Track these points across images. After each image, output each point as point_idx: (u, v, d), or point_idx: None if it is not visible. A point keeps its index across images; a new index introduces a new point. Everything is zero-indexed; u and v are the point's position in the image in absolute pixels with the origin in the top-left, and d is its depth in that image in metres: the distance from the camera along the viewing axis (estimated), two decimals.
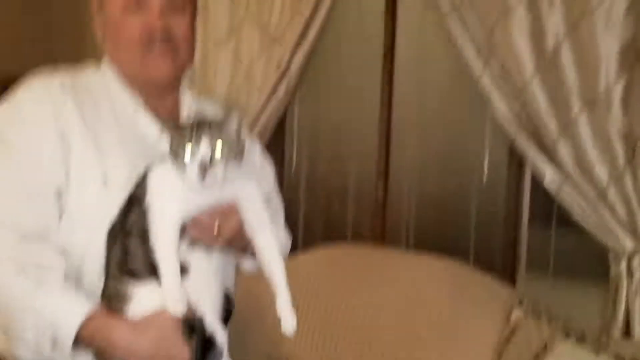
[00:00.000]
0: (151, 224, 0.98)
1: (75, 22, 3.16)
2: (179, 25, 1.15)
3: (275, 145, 2.63)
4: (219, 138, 0.93)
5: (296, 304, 1.82)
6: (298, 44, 2.36)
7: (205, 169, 0.93)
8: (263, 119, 2.46)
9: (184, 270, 0.99)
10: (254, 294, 2.05)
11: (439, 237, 2.25)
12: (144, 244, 0.99)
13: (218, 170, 0.94)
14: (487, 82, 1.94)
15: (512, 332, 1.59)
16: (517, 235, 2.08)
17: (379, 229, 2.37)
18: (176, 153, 0.95)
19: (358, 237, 2.47)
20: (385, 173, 2.35)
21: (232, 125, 0.97)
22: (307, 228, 2.63)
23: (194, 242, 1.01)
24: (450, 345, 1.67)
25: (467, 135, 2.17)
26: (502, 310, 1.68)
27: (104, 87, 1.17)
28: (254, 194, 1.06)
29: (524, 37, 1.87)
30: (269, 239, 1.08)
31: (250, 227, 1.05)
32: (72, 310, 0.97)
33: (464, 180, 2.19)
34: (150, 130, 1.15)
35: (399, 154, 2.33)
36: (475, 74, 1.96)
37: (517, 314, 1.63)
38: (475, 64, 1.95)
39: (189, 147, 0.93)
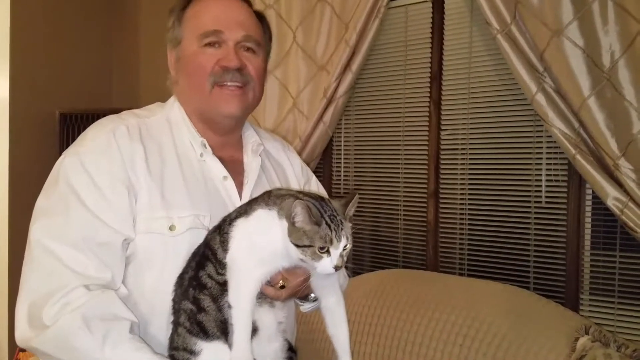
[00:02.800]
0: (233, 280, 0.98)
1: (133, 62, 3.31)
2: (252, 64, 1.19)
3: (323, 169, 2.64)
4: (349, 230, 0.97)
5: (350, 329, 1.79)
6: (344, 71, 2.38)
7: (341, 262, 0.95)
8: (310, 144, 2.49)
9: (254, 329, 1.00)
10: (308, 328, 2.08)
11: (495, 261, 2.19)
12: (217, 301, 1.00)
13: (344, 257, 0.96)
14: (541, 102, 1.91)
15: (580, 359, 1.52)
16: (579, 258, 2.01)
17: (432, 254, 2.33)
18: (315, 242, 0.93)
19: (410, 261, 2.43)
20: (436, 195, 2.32)
21: (351, 212, 1.00)
22: (356, 253, 2.61)
23: (258, 297, 1.01)
24: None
25: (521, 156, 2.12)
26: (568, 337, 1.61)
27: (168, 130, 1.19)
28: None
29: (578, 55, 1.84)
30: (337, 301, 1.07)
31: (319, 288, 1.07)
32: None
33: (520, 202, 2.13)
34: (216, 174, 1.18)
35: (449, 175, 2.30)
36: (529, 94, 1.93)
37: (583, 341, 1.56)
38: (528, 84, 1.93)
39: (335, 246, 0.93)
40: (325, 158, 2.63)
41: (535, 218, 2.09)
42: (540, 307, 1.75)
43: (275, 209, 0.98)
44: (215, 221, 1.09)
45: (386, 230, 2.50)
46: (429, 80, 2.33)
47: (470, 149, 2.24)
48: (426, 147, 2.34)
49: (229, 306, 0.97)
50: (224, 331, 0.99)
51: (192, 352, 1.00)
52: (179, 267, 1.07)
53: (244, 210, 1.03)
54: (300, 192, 1.05)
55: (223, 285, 0.99)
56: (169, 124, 1.20)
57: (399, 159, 2.44)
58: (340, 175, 2.64)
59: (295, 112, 2.53)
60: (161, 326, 1.08)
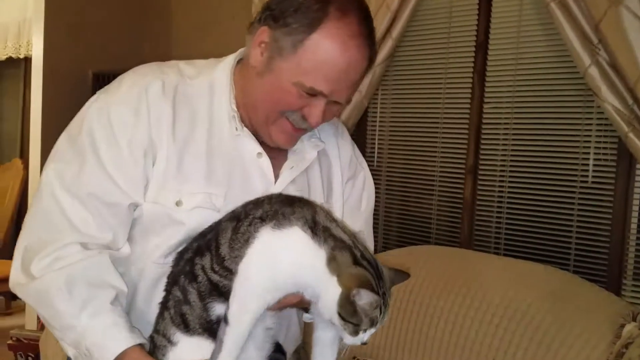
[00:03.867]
0: (240, 297, 0.88)
1: (166, 22, 3.27)
2: (329, 114, 1.07)
3: (356, 141, 2.56)
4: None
5: None
6: (383, 38, 2.29)
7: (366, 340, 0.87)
8: (344, 115, 2.41)
9: None
10: None
11: (534, 241, 2.11)
12: (204, 299, 0.92)
13: None
14: (594, 75, 1.80)
15: (626, 347, 1.44)
16: (623, 241, 1.91)
17: (467, 231, 2.26)
18: (362, 324, 0.85)
19: (443, 238, 2.36)
20: (474, 170, 2.23)
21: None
22: (388, 229, 2.55)
23: None
24: (554, 356, 1.54)
25: (569, 132, 2.02)
26: (612, 322, 1.53)
27: (208, 96, 1.09)
28: None
29: (637, 27, 1.72)
30: (334, 338, 0.95)
31: (317, 315, 0.94)
32: (108, 344, 0.94)
33: (565, 180, 2.03)
34: (249, 150, 1.09)
35: (490, 150, 2.20)
36: (581, 67, 1.82)
37: (630, 328, 1.48)
38: (582, 56, 1.82)
39: (376, 326, 0.86)
40: (359, 129, 2.56)
41: (580, 198, 2.00)
42: (582, 290, 1.67)
43: (323, 249, 0.86)
44: (233, 203, 1.00)
45: (419, 206, 2.43)
46: (474, 49, 2.22)
47: (514, 123, 2.14)
48: (467, 121, 2.25)
49: (226, 322, 0.88)
50: (206, 329, 0.92)
51: (170, 341, 0.94)
52: (176, 243, 1.02)
53: (275, 214, 0.90)
54: (356, 242, 0.90)
55: (214, 285, 0.91)
56: (210, 88, 1.09)
57: (437, 132, 2.35)
58: (374, 148, 2.56)
59: None
60: (146, 300, 1.04)
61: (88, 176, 1.00)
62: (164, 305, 0.98)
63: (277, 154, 1.12)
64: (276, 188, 1.09)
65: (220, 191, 1.04)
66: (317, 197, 1.15)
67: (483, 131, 2.22)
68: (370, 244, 1.26)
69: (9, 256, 3.52)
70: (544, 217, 2.08)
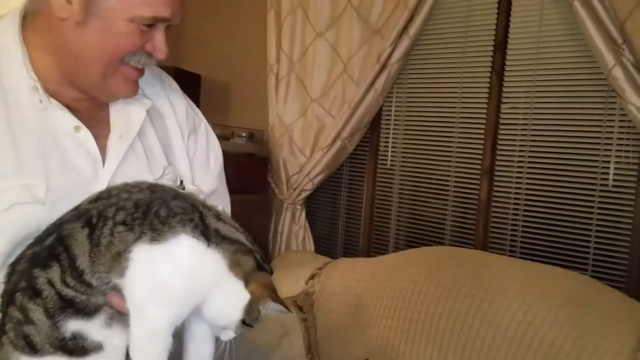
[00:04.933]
0: (139, 335, 0.74)
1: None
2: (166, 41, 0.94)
3: (370, 139, 2.54)
4: None
5: (393, 305, 1.68)
6: (400, 36, 2.25)
7: None
8: (359, 112, 2.39)
9: (95, 348, 0.77)
10: (355, 303, 2.00)
11: (551, 245, 2.07)
12: (53, 317, 0.74)
13: None
14: (618, 77, 1.77)
15: None
16: None
17: (482, 233, 2.22)
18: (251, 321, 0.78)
19: (457, 239, 2.33)
20: (490, 171, 2.20)
21: None
22: (400, 228, 2.52)
23: (112, 318, 0.78)
24: None
25: (589, 134, 1.98)
26: (635, 328, 1.50)
27: None
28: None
29: None
30: (207, 335, 0.83)
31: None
32: None
33: (584, 183, 1.99)
34: (61, 125, 0.90)
35: (507, 151, 2.17)
36: (605, 68, 1.78)
37: None
38: (606, 57, 1.78)
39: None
40: (374, 128, 2.52)
41: (600, 202, 1.96)
42: (603, 295, 1.63)
43: (220, 254, 0.75)
44: (59, 192, 0.85)
45: (433, 206, 2.40)
46: (492, 48, 2.18)
47: (532, 124, 2.10)
48: (484, 121, 2.21)
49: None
50: (59, 347, 0.75)
51: None
52: (1, 254, 0.82)
53: (146, 219, 0.74)
54: (249, 238, 0.80)
55: (67, 301, 0.74)
56: None
57: (452, 132, 2.32)
58: (387, 147, 2.53)
59: (345, 78, 2.43)
60: None
61: None
62: (0, 329, 0.77)
63: (95, 122, 0.95)
64: (108, 167, 0.93)
65: (38, 180, 0.86)
66: (159, 165, 1.01)
67: (500, 132, 2.18)
68: (227, 203, 1.16)
69: None
70: (562, 221, 2.04)
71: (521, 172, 2.13)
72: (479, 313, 1.71)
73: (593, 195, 1.97)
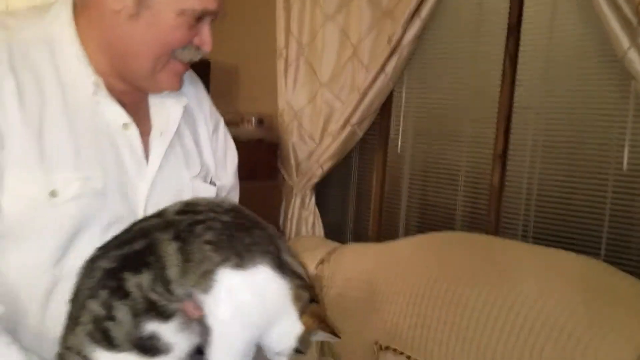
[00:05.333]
0: (217, 345, 0.80)
1: None
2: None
3: (380, 125, 2.52)
4: None
5: (403, 290, 1.66)
6: (411, 19, 2.22)
7: None
8: (369, 97, 2.37)
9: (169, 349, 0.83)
10: (365, 288, 2.00)
11: (563, 230, 2.05)
12: (138, 316, 0.79)
13: None
14: (633, 59, 1.73)
15: None
16: None
17: (493, 218, 2.21)
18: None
19: (468, 225, 2.32)
20: (503, 156, 2.17)
21: None
22: (410, 214, 2.51)
23: (184, 324, 0.83)
24: (586, 348, 1.49)
25: (604, 117, 1.95)
26: None
27: (48, 54, 0.88)
28: None
29: None
30: None
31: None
32: None
33: (598, 167, 1.97)
34: (113, 120, 0.91)
35: (520, 136, 2.14)
36: (620, 50, 1.75)
37: None
38: (621, 39, 1.75)
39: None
40: (384, 113, 2.50)
41: (614, 186, 1.93)
42: (616, 281, 1.62)
43: (289, 286, 0.81)
44: (111, 187, 0.87)
45: (444, 191, 2.38)
46: (505, 31, 2.14)
47: (546, 107, 2.07)
48: (497, 105, 2.18)
49: None
50: (136, 345, 0.79)
51: (87, 359, 0.79)
52: (58, 247, 0.84)
53: (231, 244, 0.79)
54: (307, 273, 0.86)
55: (151, 303, 0.79)
56: (48, 45, 0.88)
57: (464, 116, 2.29)
58: (398, 131, 2.51)
59: (355, 62, 2.40)
60: (37, 319, 0.86)
61: None
62: (74, 318, 0.81)
63: (138, 118, 0.95)
64: (152, 165, 0.94)
65: (96, 173, 0.87)
66: (194, 163, 1.03)
67: (514, 116, 2.15)
68: (236, 196, 1.19)
69: None
70: (575, 205, 2.02)
71: (534, 157, 2.11)
72: (490, 298, 1.70)
73: (607, 180, 1.95)
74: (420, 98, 2.43)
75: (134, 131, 0.92)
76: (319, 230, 2.63)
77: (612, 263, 1.83)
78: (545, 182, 2.09)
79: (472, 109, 2.26)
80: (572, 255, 1.75)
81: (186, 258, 0.79)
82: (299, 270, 0.84)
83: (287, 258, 0.83)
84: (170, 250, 0.79)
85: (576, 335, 1.53)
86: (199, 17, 0.88)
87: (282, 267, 0.81)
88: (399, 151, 2.50)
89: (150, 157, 0.94)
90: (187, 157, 1.01)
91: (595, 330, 1.51)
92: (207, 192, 1.04)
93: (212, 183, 1.06)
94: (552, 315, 1.59)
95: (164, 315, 0.80)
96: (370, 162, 2.60)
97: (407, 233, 2.49)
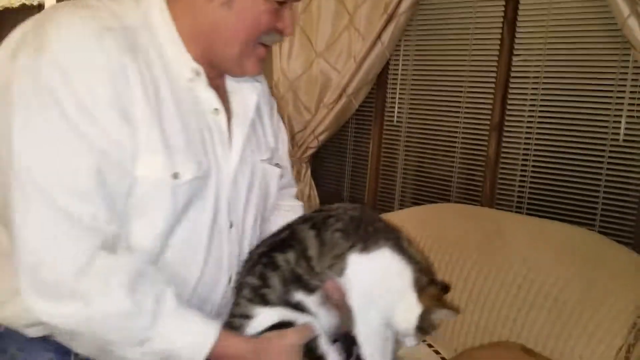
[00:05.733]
0: (364, 333, 0.94)
1: None
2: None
3: (376, 95, 2.49)
4: None
5: None
6: None
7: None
8: (365, 67, 2.34)
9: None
10: None
11: (558, 201, 2.05)
12: (286, 285, 0.95)
13: None
14: (633, 27, 1.70)
15: None
16: None
17: (489, 189, 2.20)
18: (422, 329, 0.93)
19: (463, 196, 2.31)
20: (500, 127, 2.15)
21: None
22: (405, 186, 2.50)
23: (324, 300, 0.97)
24: (579, 318, 1.50)
25: (602, 87, 1.92)
26: None
27: (149, 39, 0.90)
28: None
29: None
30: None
31: None
32: (197, 340, 0.87)
33: (595, 138, 1.95)
34: (207, 105, 0.94)
35: (517, 106, 2.12)
36: (620, 18, 1.72)
37: None
38: (621, 6, 1.71)
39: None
40: (380, 83, 2.47)
41: (610, 157, 1.92)
42: (610, 252, 1.62)
43: (409, 269, 0.92)
44: (213, 168, 0.94)
45: (440, 163, 2.37)
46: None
47: (544, 77, 2.04)
48: (494, 74, 2.15)
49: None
50: (287, 304, 0.95)
51: (248, 317, 0.95)
52: (170, 222, 0.89)
53: (359, 234, 0.93)
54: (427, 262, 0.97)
55: (297, 276, 0.94)
56: (149, 31, 0.90)
57: (461, 86, 2.26)
58: (394, 102, 2.48)
59: (351, 30, 2.36)
60: (206, 287, 0.96)
61: (80, 162, 0.82)
62: (237, 297, 0.98)
63: (222, 103, 0.99)
64: (235, 151, 0.99)
65: (204, 157, 0.93)
66: (263, 148, 1.08)
67: (511, 85, 2.12)
68: (291, 178, 1.26)
69: None
70: (571, 177, 2.01)
71: (531, 128, 2.09)
72: (484, 269, 1.70)
73: (603, 151, 1.93)
74: (416, 68, 2.40)
75: (222, 116, 0.97)
76: (315, 201, 2.62)
77: (606, 234, 1.84)
78: (542, 153, 2.07)
79: (470, 78, 2.23)
80: (567, 226, 1.75)
81: (321, 242, 0.94)
82: (417, 255, 0.93)
83: (406, 245, 0.93)
84: (309, 236, 0.95)
85: (570, 305, 1.54)
86: (283, 1, 0.92)
87: (402, 251, 0.92)
88: (395, 121, 2.47)
89: (234, 141, 0.99)
90: (258, 141, 1.07)
91: (589, 300, 1.52)
92: (274, 174, 1.10)
93: (277, 165, 1.11)
94: (545, 285, 1.59)
95: (307, 288, 0.94)
96: (367, 133, 2.58)
97: (403, 205, 2.48)
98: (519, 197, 2.14)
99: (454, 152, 2.31)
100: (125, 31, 0.86)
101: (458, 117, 2.28)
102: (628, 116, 1.88)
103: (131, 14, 0.90)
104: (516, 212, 2.12)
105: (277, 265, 0.95)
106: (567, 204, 2.01)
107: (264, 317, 0.94)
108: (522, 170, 2.13)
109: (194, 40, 0.93)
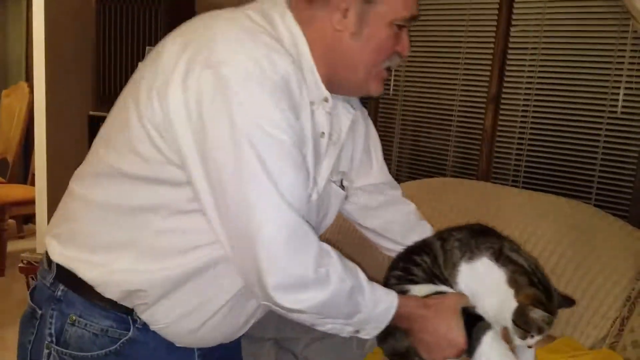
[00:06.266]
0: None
1: None
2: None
3: None
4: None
5: None
6: None
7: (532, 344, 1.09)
8: None
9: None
10: (356, 235, 1.98)
11: (555, 174, 2.04)
12: (428, 276, 1.14)
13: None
14: None
15: None
16: None
17: (485, 163, 2.18)
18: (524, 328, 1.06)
19: (459, 170, 2.30)
20: (497, 99, 2.13)
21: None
22: (401, 160, 2.48)
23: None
24: (574, 291, 1.50)
25: (600, 59, 1.90)
26: (636, 258, 1.48)
27: (298, 61, 0.95)
28: None
29: None
30: None
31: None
32: (387, 304, 1.00)
33: (593, 110, 1.93)
34: (320, 128, 1.00)
35: (515, 78, 2.09)
36: None
37: None
38: None
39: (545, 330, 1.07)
40: None
41: (607, 129, 1.90)
42: (606, 225, 1.61)
43: (503, 271, 1.08)
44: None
45: (436, 136, 2.35)
46: None
47: (542, 48, 2.02)
48: (492, 46, 2.12)
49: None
50: (432, 283, 1.13)
51: (402, 293, 1.09)
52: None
53: (469, 247, 1.12)
54: (535, 270, 1.11)
55: (432, 273, 1.14)
56: (297, 57, 0.96)
57: (458, 57, 2.23)
58: (390, 75, 2.44)
59: None
60: None
61: (300, 180, 0.92)
62: (385, 284, 1.13)
63: None
64: (325, 168, 1.05)
65: (325, 173, 1.05)
66: (337, 170, 1.13)
67: (509, 57, 2.09)
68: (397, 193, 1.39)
69: (18, 180, 3.50)
70: (568, 149, 2.00)
71: (528, 100, 2.07)
72: None
73: (601, 123, 1.92)
74: (413, 40, 2.35)
75: (326, 139, 1.03)
76: None
77: (602, 207, 1.84)
78: (539, 126, 2.06)
79: (467, 49, 2.20)
80: (562, 199, 1.74)
81: (444, 251, 1.15)
82: (520, 261, 1.10)
83: (509, 253, 1.11)
84: (436, 246, 1.17)
85: (565, 278, 1.54)
86: (402, 25, 0.98)
87: (500, 258, 1.09)
88: (391, 95, 2.45)
89: (326, 161, 1.05)
90: (335, 163, 1.11)
91: (584, 273, 1.52)
92: (337, 195, 1.14)
93: (341, 186, 1.16)
94: (540, 257, 1.59)
95: (446, 284, 1.13)
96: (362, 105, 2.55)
97: (399, 179, 2.46)
98: (515, 170, 2.13)
99: (450, 125, 2.29)
100: (287, 52, 0.91)
101: (455, 89, 2.26)
102: (626, 88, 1.86)
103: (284, 38, 0.94)
104: (512, 185, 2.12)
105: (418, 263, 1.15)
106: (564, 177, 2.01)
107: (417, 290, 1.11)
108: (518, 144, 2.11)
109: (321, 65, 0.98)
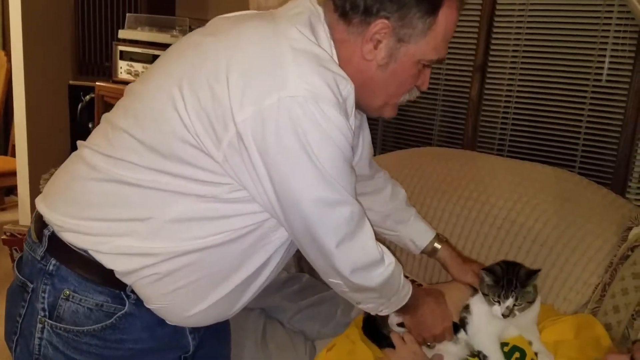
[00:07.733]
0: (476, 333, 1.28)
1: None
2: None
3: None
4: (521, 296, 1.21)
5: None
6: None
7: (508, 313, 1.22)
8: None
9: None
10: None
11: (539, 143, 2.05)
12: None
13: (516, 312, 1.22)
14: None
15: (631, 249, 1.42)
16: (633, 142, 1.85)
17: (470, 132, 2.19)
18: (488, 294, 1.24)
19: (445, 140, 2.30)
20: (483, 68, 2.12)
21: (532, 281, 1.24)
22: (387, 130, 2.48)
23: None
24: (557, 258, 1.52)
25: (586, 27, 1.89)
26: (618, 225, 1.51)
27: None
28: None
29: None
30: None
31: None
32: (407, 290, 1.14)
33: (578, 79, 1.93)
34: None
35: (501, 46, 2.08)
36: None
37: (637, 231, 1.45)
38: None
39: (502, 300, 1.22)
40: None
41: (592, 98, 1.91)
42: (589, 192, 1.63)
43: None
44: None
45: (421, 106, 2.34)
46: None
47: (528, 15, 2.00)
48: (478, 14, 2.10)
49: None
50: None
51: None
52: None
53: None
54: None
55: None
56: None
57: None
58: None
59: None
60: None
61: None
62: None
63: None
64: None
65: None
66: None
67: (495, 25, 2.08)
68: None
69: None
70: (553, 118, 2.00)
71: (514, 68, 2.06)
72: (464, 211, 1.71)
73: (585, 92, 1.92)
74: None
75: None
76: None
77: (586, 175, 1.86)
78: (524, 95, 2.06)
79: None
80: (546, 167, 1.75)
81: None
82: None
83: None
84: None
85: (548, 245, 1.56)
86: (428, 65, 1.01)
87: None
88: None
89: None
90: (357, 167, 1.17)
91: (567, 240, 1.54)
92: None
93: None
94: (525, 225, 1.61)
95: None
96: None
97: (385, 149, 2.47)
98: (500, 139, 2.14)
99: (436, 94, 2.28)
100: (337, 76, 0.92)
101: None
102: (612, 56, 1.86)
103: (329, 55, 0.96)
104: (497, 154, 2.13)
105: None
106: (548, 145, 2.02)
107: None
108: (504, 112, 2.12)
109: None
